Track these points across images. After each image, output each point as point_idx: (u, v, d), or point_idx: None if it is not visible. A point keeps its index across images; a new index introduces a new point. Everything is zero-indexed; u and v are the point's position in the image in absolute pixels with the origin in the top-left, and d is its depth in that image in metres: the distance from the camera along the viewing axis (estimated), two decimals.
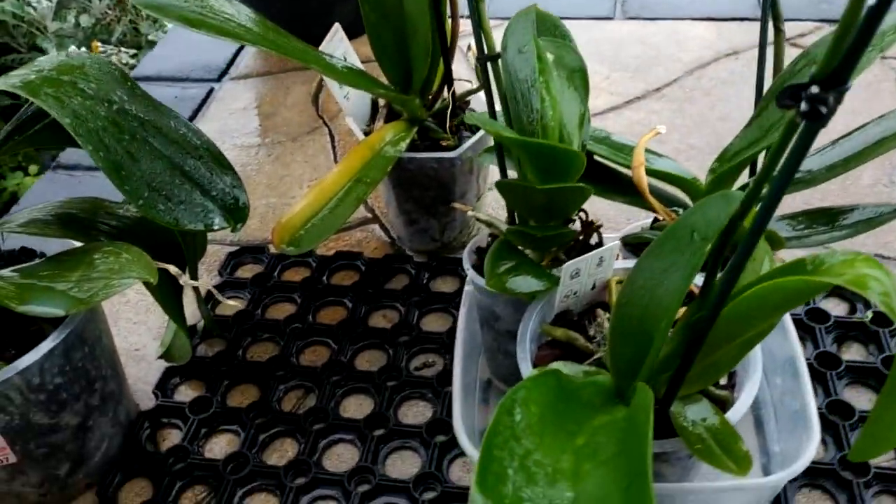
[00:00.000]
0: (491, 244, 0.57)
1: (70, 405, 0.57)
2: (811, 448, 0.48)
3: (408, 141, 0.69)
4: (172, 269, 0.57)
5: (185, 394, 0.68)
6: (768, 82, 0.58)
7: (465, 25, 0.69)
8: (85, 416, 0.59)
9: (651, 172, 0.57)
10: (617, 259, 0.54)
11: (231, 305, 0.75)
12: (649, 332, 0.42)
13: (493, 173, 0.57)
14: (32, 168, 1.58)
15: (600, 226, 0.59)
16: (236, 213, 0.62)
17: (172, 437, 0.65)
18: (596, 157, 0.60)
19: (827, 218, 0.57)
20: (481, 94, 0.73)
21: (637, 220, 0.66)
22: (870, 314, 0.68)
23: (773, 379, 0.59)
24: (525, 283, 0.51)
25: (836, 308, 0.70)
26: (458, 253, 0.78)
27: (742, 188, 0.56)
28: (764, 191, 0.36)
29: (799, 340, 0.57)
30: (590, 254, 0.50)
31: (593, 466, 0.32)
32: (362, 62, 0.74)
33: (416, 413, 0.65)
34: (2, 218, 0.63)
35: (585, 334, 0.52)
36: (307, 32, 0.71)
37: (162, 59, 1.19)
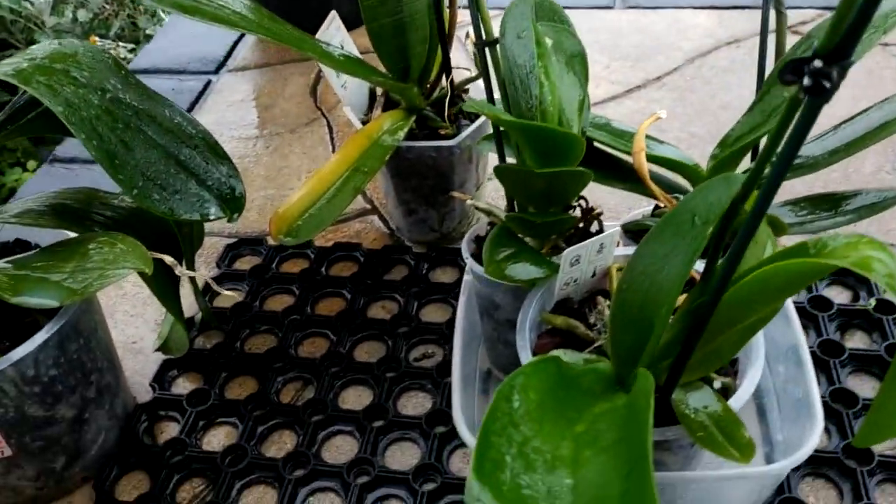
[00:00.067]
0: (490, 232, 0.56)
1: (65, 398, 0.57)
2: (815, 436, 0.47)
3: (406, 130, 0.68)
4: (168, 259, 0.56)
5: (183, 386, 0.68)
6: (770, 69, 0.57)
7: (464, 16, 0.69)
8: (81, 409, 0.58)
9: (652, 159, 0.56)
10: (617, 246, 0.53)
11: (229, 296, 0.75)
12: (650, 319, 0.41)
13: (493, 163, 0.56)
14: (31, 164, 1.58)
15: (600, 213, 0.58)
16: (232, 203, 0.62)
17: (170, 430, 0.64)
18: (596, 144, 0.59)
19: (830, 203, 0.56)
20: (480, 82, 0.72)
21: (638, 209, 0.65)
22: (873, 301, 0.67)
23: (775, 367, 0.59)
24: (524, 271, 0.50)
25: (839, 296, 0.69)
26: (458, 243, 0.77)
27: (744, 173, 0.55)
28: (766, 172, 0.35)
29: (802, 328, 0.56)
30: (590, 240, 0.49)
31: (593, 453, 0.32)
32: (361, 54, 0.73)
33: (415, 404, 0.64)
34: None
35: (586, 322, 0.51)
36: (306, 27, 0.70)
37: (159, 52, 1.18)
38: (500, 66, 0.54)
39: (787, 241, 0.62)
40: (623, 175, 0.59)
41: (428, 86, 0.73)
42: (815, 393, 0.51)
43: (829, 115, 0.57)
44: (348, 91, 0.73)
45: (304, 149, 0.95)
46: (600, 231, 0.57)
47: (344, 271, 0.77)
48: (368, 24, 0.68)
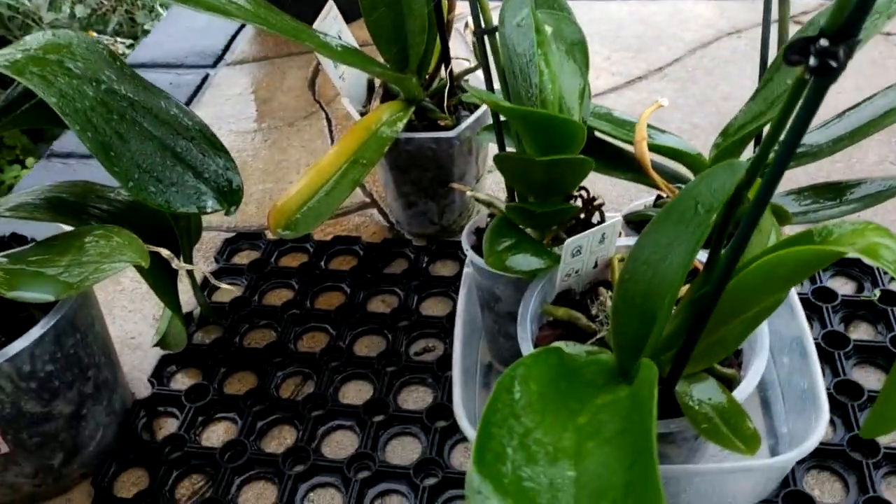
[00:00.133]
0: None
1: (63, 393, 0.56)
2: (820, 428, 0.47)
3: (405, 121, 0.68)
4: (165, 252, 0.55)
5: (182, 382, 0.67)
6: (772, 59, 0.56)
7: (463, 7, 0.68)
8: (78, 405, 0.58)
9: (654, 148, 0.55)
10: (619, 237, 0.52)
11: (227, 290, 0.74)
12: (653, 309, 0.41)
13: (493, 154, 0.55)
14: (30, 161, 1.57)
15: (602, 204, 0.57)
16: (230, 196, 0.61)
17: (169, 426, 0.64)
18: (597, 134, 0.59)
19: (834, 192, 0.56)
20: (479, 73, 0.71)
21: (640, 199, 0.64)
22: (878, 293, 0.66)
23: (780, 359, 0.58)
24: (525, 262, 0.49)
25: (843, 287, 0.68)
26: (458, 236, 0.77)
27: (747, 161, 0.55)
28: (770, 158, 0.34)
29: (806, 319, 0.55)
30: (591, 230, 0.48)
31: (596, 445, 0.31)
32: (359, 46, 0.72)
33: (416, 398, 0.64)
34: None
35: (588, 313, 0.50)
36: (304, 19, 0.69)
37: (156, 46, 1.17)
38: (499, 55, 0.54)
39: (791, 230, 0.62)
40: (625, 165, 0.58)
41: (427, 76, 0.73)
42: (821, 384, 0.50)
43: (833, 106, 0.56)
44: (346, 82, 0.73)
45: (303, 142, 0.94)
46: (602, 222, 0.56)
47: (343, 265, 0.76)
48: (366, 13, 0.68)
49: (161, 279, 0.63)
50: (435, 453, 0.58)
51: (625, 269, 0.43)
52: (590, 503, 0.27)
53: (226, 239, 0.81)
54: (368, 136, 0.67)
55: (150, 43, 1.19)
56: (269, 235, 0.80)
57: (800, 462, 0.55)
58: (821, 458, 0.55)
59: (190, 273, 0.69)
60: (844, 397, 0.59)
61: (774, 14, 0.54)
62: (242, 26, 1.19)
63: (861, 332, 0.65)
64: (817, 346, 0.62)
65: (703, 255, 0.47)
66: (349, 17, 0.72)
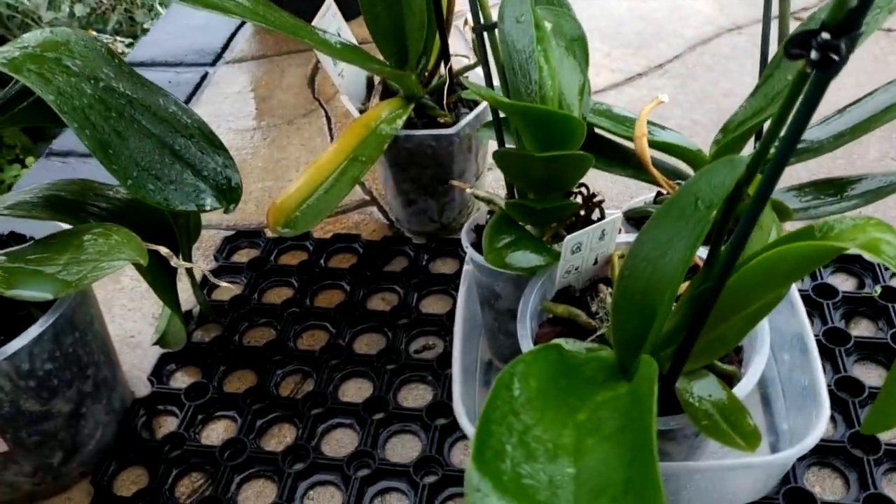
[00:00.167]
0: None
1: (62, 392, 0.56)
2: (821, 424, 0.47)
3: (404, 118, 0.67)
4: (163, 250, 0.55)
5: (181, 380, 0.67)
6: (773, 55, 0.56)
7: (462, 3, 0.68)
8: (77, 404, 0.57)
9: (654, 144, 0.55)
10: (619, 233, 0.52)
11: (227, 288, 0.74)
12: (652, 306, 0.40)
13: (492, 151, 0.55)
14: (30, 160, 1.57)
15: (602, 201, 0.57)
16: (229, 194, 0.61)
17: (168, 425, 0.64)
18: (597, 131, 0.58)
19: (835, 188, 0.55)
20: (479, 70, 0.71)
21: (640, 197, 0.64)
22: (879, 289, 0.66)
23: (780, 355, 0.58)
24: (525, 258, 0.49)
25: (844, 283, 0.68)
26: (458, 234, 0.76)
27: (748, 156, 0.54)
28: (770, 153, 0.34)
29: (807, 316, 0.55)
30: (591, 227, 0.48)
31: (596, 442, 0.31)
32: (359, 43, 0.72)
33: (416, 396, 0.63)
34: None
35: (588, 310, 0.50)
36: (303, 17, 0.69)
37: (155, 45, 1.17)
38: (498, 52, 0.54)
39: (792, 227, 0.62)
40: (625, 161, 0.58)
41: (426, 74, 0.72)
42: (821, 381, 0.50)
43: (834, 103, 0.56)
44: (345, 80, 0.72)
45: (302, 140, 0.94)
46: (602, 219, 0.56)
47: (343, 263, 0.76)
48: (365, 10, 0.68)
49: (160, 277, 0.63)
50: (435, 451, 0.58)
51: (624, 266, 0.43)
52: (589, 500, 0.27)
53: (225, 237, 0.80)
54: (368, 133, 0.66)
55: (149, 41, 1.19)
56: (269, 234, 0.80)
57: (800, 459, 0.55)
58: (822, 454, 0.55)
59: (189, 271, 0.69)
60: (845, 394, 0.59)
61: (775, 10, 0.54)
62: (241, 24, 1.18)
63: (862, 329, 0.64)
64: (818, 342, 0.62)
65: (703, 252, 0.47)
66: (348, 15, 0.72)
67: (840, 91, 0.59)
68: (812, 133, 0.55)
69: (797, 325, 0.54)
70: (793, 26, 0.52)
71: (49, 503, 0.59)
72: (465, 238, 0.58)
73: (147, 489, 0.59)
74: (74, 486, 0.60)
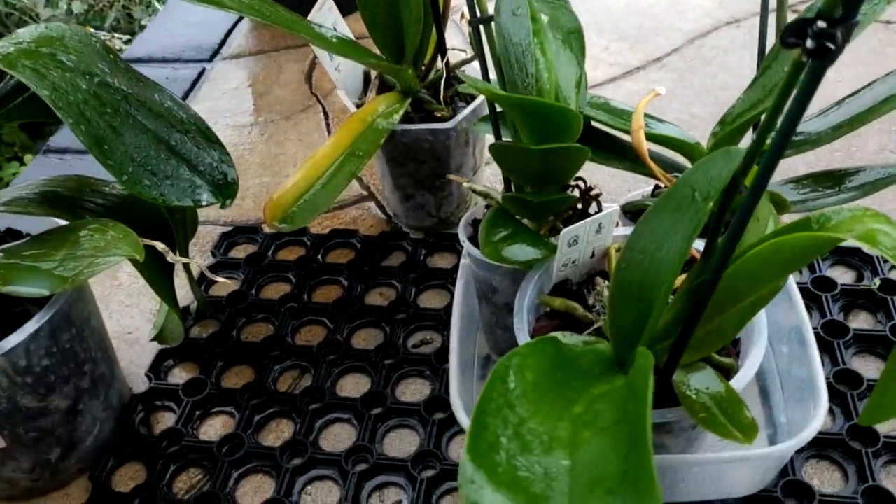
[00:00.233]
0: None
1: (59, 388, 0.56)
2: (819, 416, 0.46)
3: (401, 113, 0.67)
4: (160, 245, 0.55)
5: (179, 376, 0.67)
6: (770, 47, 0.56)
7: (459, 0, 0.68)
8: (75, 400, 0.57)
9: (652, 137, 0.55)
10: (617, 227, 0.52)
11: (224, 284, 0.74)
12: (649, 298, 0.40)
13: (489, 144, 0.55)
14: (28, 158, 1.57)
15: (599, 194, 0.57)
16: (225, 189, 0.61)
17: (166, 420, 0.64)
18: (594, 124, 0.58)
19: (833, 180, 0.55)
20: (476, 63, 0.71)
21: (638, 190, 0.64)
22: (878, 281, 0.66)
23: (778, 348, 0.58)
24: (521, 252, 0.49)
25: (842, 276, 0.68)
26: (455, 229, 0.76)
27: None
28: (767, 144, 0.34)
29: (805, 309, 0.55)
30: (588, 220, 0.48)
31: (592, 434, 0.31)
32: (356, 39, 0.72)
33: (414, 391, 0.63)
34: None
35: (585, 304, 0.50)
36: (300, 11, 0.69)
37: (153, 41, 1.17)
38: (495, 45, 0.53)
39: (790, 219, 0.61)
40: (622, 154, 0.58)
41: (423, 68, 0.72)
42: (819, 373, 0.50)
43: (832, 96, 0.56)
44: (342, 74, 0.72)
45: (300, 135, 0.94)
46: (599, 213, 0.56)
47: (341, 258, 0.76)
48: (361, 4, 0.67)
49: (157, 274, 0.63)
50: (433, 445, 0.58)
51: (621, 259, 0.42)
52: (584, 492, 0.27)
53: (223, 233, 0.80)
54: (364, 127, 0.66)
55: (147, 38, 1.19)
56: (267, 229, 0.80)
57: (799, 451, 0.55)
58: (820, 447, 0.55)
59: (187, 267, 0.69)
60: (844, 386, 0.59)
61: (772, 3, 0.54)
62: (238, 20, 1.18)
63: (861, 322, 0.64)
64: (817, 335, 0.62)
65: (700, 244, 0.47)
66: (345, 11, 0.72)
67: (839, 84, 0.59)
68: (810, 125, 0.55)
69: (795, 318, 0.54)
70: (790, 18, 0.52)
71: (47, 499, 0.59)
72: (462, 232, 0.58)
73: (145, 485, 0.59)
74: (72, 482, 0.60)
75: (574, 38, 0.55)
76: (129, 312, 0.74)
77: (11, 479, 0.58)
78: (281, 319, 0.70)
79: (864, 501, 0.52)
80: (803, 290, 0.66)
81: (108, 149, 0.54)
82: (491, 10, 0.53)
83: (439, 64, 0.71)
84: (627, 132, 0.55)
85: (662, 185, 0.58)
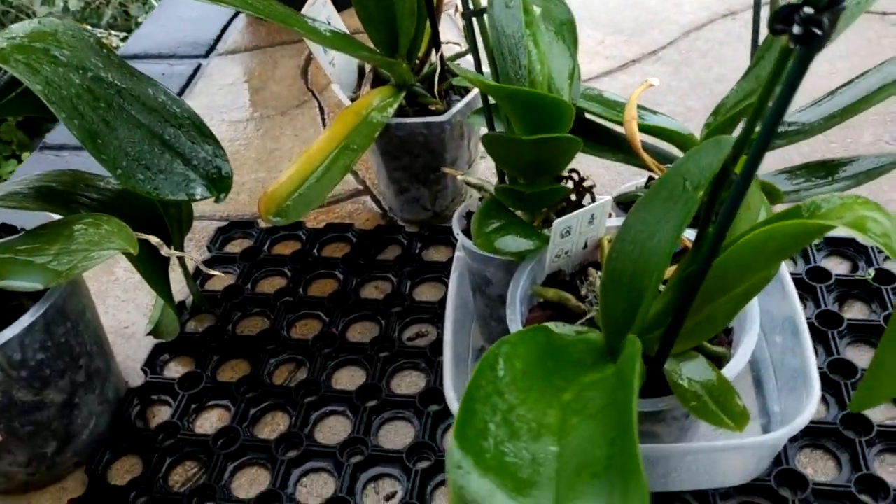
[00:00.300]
0: None
1: (54, 382, 0.56)
2: (811, 405, 0.47)
3: (395, 106, 0.67)
4: (154, 239, 0.55)
5: (175, 370, 0.67)
6: (764, 38, 0.56)
7: None
8: (70, 394, 0.58)
9: (645, 129, 0.55)
10: (610, 218, 0.52)
11: (220, 278, 0.74)
12: (640, 287, 0.40)
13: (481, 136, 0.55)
14: (26, 156, 1.57)
15: (593, 186, 0.57)
16: (219, 183, 0.61)
17: (162, 414, 0.64)
18: (588, 116, 0.58)
19: (826, 170, 0.55)
20: (470, 57, 0.71)
21: (631, 182, 0.64)
22: (872, 272, 0.66)
23: (772, 338, 0.58)
24: (514, 243, 0.49)
25: (837, 267, 0.68)
26: (451, 222, 0.76)
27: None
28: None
29: (799, 299, 0.55)
30: (580, 210, 0.48)
31: (580, 421, 0.31)
32: (351, 34, 0.71)
33: (409, 383, 0.63)
34: None
35: (578, 295, 0.50)
36: (295, 6, 0.69)
37: (148, 38, 1.17)
38: (488, 37, 0.53)
39: (783, 209, 0.61)
40: (616, 146, 0.58)
41: (417, 61, 0.72)
42: (812, 362, 0.50)
43: (827, 88, 0.56)
44: (337, 68, 0.72)
45: (296, 130, 0.94)
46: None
47: (336, 252, 0.76)
48: None
49: (152, 268, 0.63)
50: (428, 437, 0.58)
51: (613, 248, 0.43)
52: (571, 477, 0.27)
53: (218, 228, 0.80)
54: (359, 121, 0.66)
55: (143, 34, 1.19)
56: (262, 224, 0.80)
57: (793, 441, 0.55)
58: (814, 436, 0.55)
59: (182, 262, 0.69)
60: (838, 376, 0.59)
61: None
62: (234, 16, 1.18)
63: (855, 312, 0.64)
64: (811, 325, 0.62)
65: (692, 234, 0.47)
66: (340, 6, 0.72)
67: (833, 76, 0.59)
68: (803, 115, 0.55)
69: (789, 308, 0.54)
70: None
71: (44, 493, 0.59)
72: (456, 225, 0.58)
73: (141, 478, 0.59)
74: (69, 475, 0.60)
75: (566, 30, 0.55)
76: (125, 307, 0.74)
77: (7, 473, 0.58)
78: (276, 313, 0.70)
79: (858, 490, 0.52)
80: (798, 281, 0.66)
81: (102, 143, 0.54)
82: (484, 2, 0.53)
83: (434, 57, 0.71)
84: (621, 124, 0.55)
85: (656, 177, 0.58)
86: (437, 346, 0.65)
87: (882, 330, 0.62)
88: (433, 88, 0.71)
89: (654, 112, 0.58)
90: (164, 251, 0.55)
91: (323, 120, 0.95)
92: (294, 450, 0.59)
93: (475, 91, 0.70)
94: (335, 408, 0.62)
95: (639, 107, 0.57)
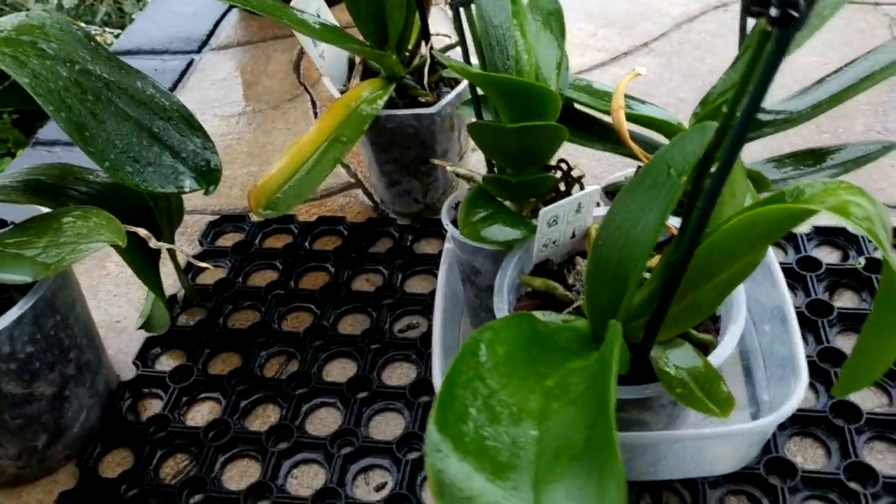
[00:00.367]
0: None
1: (44, 375, 0.56)
2: (799, 391, 0.47)
3: (385, 98, 0.67)
4: (142, 231, 0.55)
5: (166, 363, 0.67)
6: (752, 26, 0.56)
7: None
8: (61, 386, 0.57)
9: (634, 118, 0.55)
10: (598, 207, 0.52)
11: (212, 272, 0.74)
12: (625, 275, 0.40)
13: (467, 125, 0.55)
14: (20, 153, 1.56)
15: (581, 176, 0.57)
16: (208, 175, 0.61)
17: (153, 407, 0.64)
18: (577, 106, 0.58)
19: (814, 158, 0.55)
20: (460, 49, 0.71)
21: (621, 172, 0.64)
22: (862, 261, 0.66)
23: (761, 327, 0.58)
24: (500, 232, 0.49)
25: (828, 256, 0.68)
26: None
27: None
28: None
29: (788, 288, 0.55)
30: (567, 199, 0.48)
31: (561, 405, 0.31)
32: (343, 28, 0.71)
33: (399, 375, 0.63)
34: None
35: (565, 284, 0.50)
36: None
37: (141, 34, 1.16)
38: (476, 28, 0.53)
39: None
40: (604, 135, 0.58)
41: (407, 53, 0.72)
42: (800, 349, 0.50)
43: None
44: (327, 61, 0.72)
45: (288, 124, 0.94)
46: None
47: (328, 245, 0.76)
48: None
49: (142, 261, 0.63)
50: (418, 428, 0.58)
51: (598, 236, 0.43)
52: (550, 460, 0.27)
53: (210, 222, 0.80)
54: (348, 113, 0.66)
55: (136, 30, 1.18)
56: (254, 218, 0.80)
57: (782, 429, 0.55)
58: (803, 424, 0.55)
59: (173, 256, 0.69)
60: (827, 365, 0.59)
61: None
62: (227, 12, 1.18)
63: (845, 300, 0.64)
64: (801, 314, 0.62)
65: (679, 222, 0.47)
66: (330, 2, 0.72)
67: (826, 66, 0.59)
68: (791, 104, 0.55)
69: (778, 297, 0.54)
70: None
71: (35, 486, 0.59)
72: (445, 216, 0.58)
73: (132, 470, 0.59)
74: (60, 468, 0.60)
75: (554, 20, 0.55)
76: (117, 302, 0.74)
77: None
78: (268, 306, 0.70)
79: (847, 477, 0.52)
80: (788, 270, 0.66)
81: (90, 136, 0.54)
82: None
83: (424, 49, 0.71)
84: (609, 114, 0.55)
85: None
86: (428, 337, 0.65)
87: None
88: (423, 80, 0.71)
89: (643, 102, 0.58)
90: (153, 243, 0.55)
91: (315, 114, 0.95)
92: (285, 441, 0.59)
93: (465, 83, 0.70)
94: (326, 399, 0.62)
95: (627, 96, 0.57)
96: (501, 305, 0.48)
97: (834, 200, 0.36)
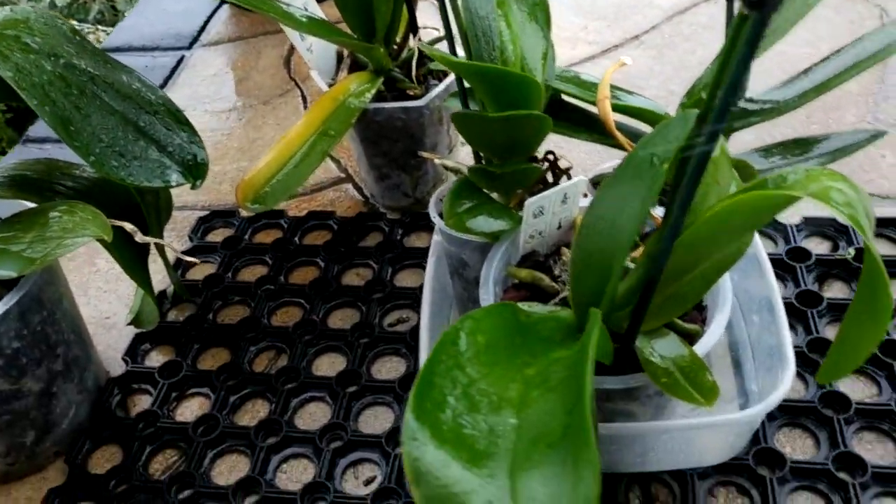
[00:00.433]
0: None
1: (31, 370, 0.56)
2: (787, 380, 0.46)
3: (373, 91, 0.67)
4: (128, 226, 0.55)
5: (156, 359, 0.67)
6: None
7: None
8: (48, 382, 0.57)
9: (620, 108, 0.55)
10: (585, 198, 0.52)
11: (201, 268, 0.74)
12: (609, 264, 0.40)
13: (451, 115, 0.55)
14: (12, 151, 1.56)
15: (569, 168, 0.57)
16: (195, 170, 0.60)
17: (142, 403, 0.64)
18: (565, 98, 0.58)
19: (802, 148, 0.55)
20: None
21: (609, 163, 0.64)
22: (852, 251, 0.66)
23: (750, 318, 0.58)
24: (486, 223, 0.49)
25: (818, 247, 0.68)
26: None
27: None
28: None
29: (777, 278, 0.55)
30: (552, 190, 0.48)
31: (540, 393, 0.31)
32: (333, 23, 0.71)
33: (389, 369, 0.63)
34: None
35: (552, 275, 0.50)
36: None
37: (132, 30, 1.16)
38: (461, 19, 0.53)
39: None
40: (591, 126, 0.57)
41: (395, 46, 0.72)
42: (787, 338, 0.50)
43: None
44: (315, 55, 0.72)
45: (278, 120, 0.94)
46: None
47: (318, 240, 0.76)
48: None
49: (130, 257, 0.62)
50: None
51: (582, 225, 0.42)
52: (528, 447, 0.27)
53: (200, 217, 0.80)
54: (336, 107, 0.66)
55: (126, 27, 1.18)
56: (243, 213, 0.80)
57: (771, 419, 0.55)
58: (792, 415, 0.55)
59: (162, 252, 0.69)
60: (817, 355, 0.58)
61: None
62: (217, 8, 1.17)
63: (835, 291, 0.64)
64: (791, 305, 0.62)
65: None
66: None
67: (816, 57, 0.58)
68: (777, 93, 0.55)
69: (766, 288, 0.54)
70: None
71: (24, 483, 0.59)
72: (432, 208, 0.58)
73: (121, 466, 0.59)
74: (49, 465, 0.60)
75: (539, 10, 0.55)
76: (106, 298, 0.74)
77: None
78: (257, 301, 0.70)
79: (836, 468, 0.52)
80: (778, 261, 0.66)
81: (75, 130, 0.54)
82: None
83: (412, 42, 0.71)
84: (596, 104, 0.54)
85: None
86: (418, 331, 0.65)
87: None
88: (411, 73, 0.71)
89: (630, 92, 0.58)
90: (139, 238, 0.55)
91: (305, 108, 0.95)
92: (274, 436, 0.59)
93: (453, 75, 0.70)
94: (315, 394, 0.62)
95: (614, 87, 0.57)
96: (487, 297, 0.48)
97: (816, 187, 0.36)
